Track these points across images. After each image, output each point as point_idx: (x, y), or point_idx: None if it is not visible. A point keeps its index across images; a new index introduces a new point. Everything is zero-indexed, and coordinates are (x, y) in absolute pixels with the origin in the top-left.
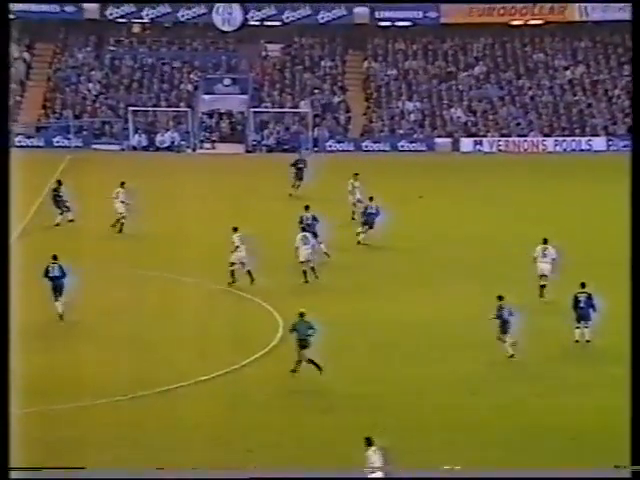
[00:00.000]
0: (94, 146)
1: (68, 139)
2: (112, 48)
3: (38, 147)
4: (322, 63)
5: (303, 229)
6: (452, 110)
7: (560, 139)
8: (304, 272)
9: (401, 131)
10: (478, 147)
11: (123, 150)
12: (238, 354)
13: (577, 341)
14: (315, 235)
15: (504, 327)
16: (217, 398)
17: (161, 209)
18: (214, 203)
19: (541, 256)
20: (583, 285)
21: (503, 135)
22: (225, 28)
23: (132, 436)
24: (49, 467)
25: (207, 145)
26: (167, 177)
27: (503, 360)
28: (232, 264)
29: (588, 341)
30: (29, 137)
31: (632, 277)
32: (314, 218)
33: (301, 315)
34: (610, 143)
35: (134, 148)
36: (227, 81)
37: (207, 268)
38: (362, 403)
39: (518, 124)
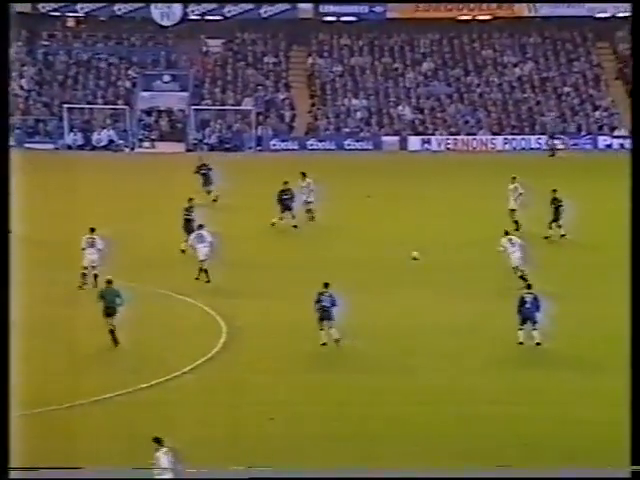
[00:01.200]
0: (27, 145)
1: None
2: (45, 43)
3: None
4: (265, 59)
5: (200, 226)
6: (399, 108)
7: (509, 137)
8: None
9: (347, 129)
10: (426, 146)
11: (57, 149)
12: (180, 361)
13: (521, 343)
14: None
15: (323, 315)
16: (157, 405)
17: (97, 209)
18: (151, 202)
19: (510, 246)
20: (529, 287)
21: (452, 133)
22: (164, 22)
23: (63, 446)
24: (49, 467)
25: (146, 144)
26: (104, 177)
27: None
28: (85, 268)
29: (538, 344)
30: None
31: (632, 277)
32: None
33: (109, 282)
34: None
35: (69, 147)
36: (166, 77)
37: (144, 271)
38: (296, 410)
39: (467, 122)
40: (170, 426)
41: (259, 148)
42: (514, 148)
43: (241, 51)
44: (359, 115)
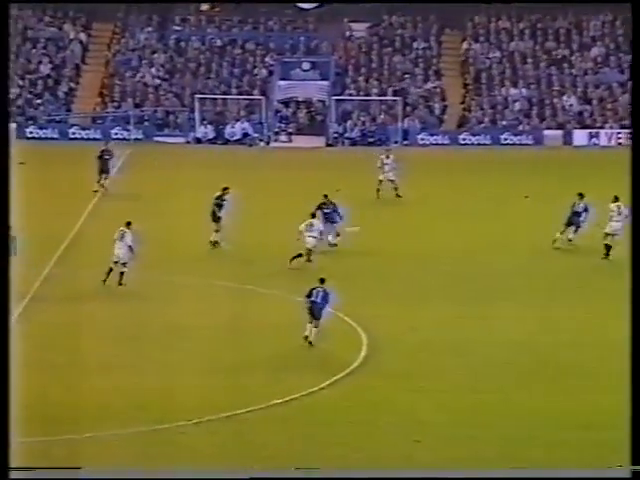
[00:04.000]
0: (156, 138)
1: (127, 130)
2: (177, 28)
3: (94, 139)
4: (414, 44)
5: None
6: (564, 98)
7: None
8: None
9: (504, 122)
10: (594, 140)
11: (188, 143)
12: (317, 375)
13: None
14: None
15: (311, 311)
16: (291, 422)
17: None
18: (288, 202)
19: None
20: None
21: (623, 127)
22: (304, 5)
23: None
24: (49, 467)
25: (283, 138)
26: (238, 173)
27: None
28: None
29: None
30: (84, 128)
31: (632, 278)
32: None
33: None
34: None
35: (199, 141)
36: (306, 65)
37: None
38: (443, 432)
39: None
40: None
41: (406, 142)
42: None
43: (388, 36)
44: (518, 106)
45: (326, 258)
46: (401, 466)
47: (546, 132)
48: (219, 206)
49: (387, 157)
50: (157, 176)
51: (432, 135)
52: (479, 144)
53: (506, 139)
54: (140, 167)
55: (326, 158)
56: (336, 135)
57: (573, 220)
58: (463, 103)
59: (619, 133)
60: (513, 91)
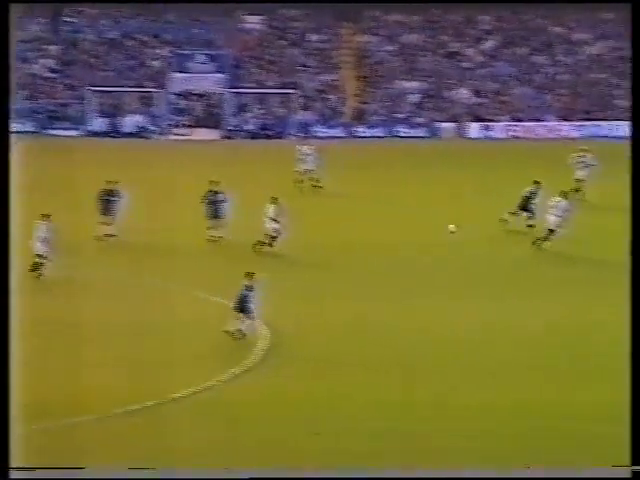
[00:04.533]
0: (49, 131)
1: (21, 124)
2: (70, 20)
3: None
4: (310, 37)
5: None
6: (458, 91)
7: (579, 124)
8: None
9: (400, 115)
10: (487, 132)
11: (82, 136)
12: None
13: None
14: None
15: (239, 304)
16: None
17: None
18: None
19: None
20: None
21: (516, 119)
22: None
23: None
24: (49, 467)
25: (178, 130)
26: (132, 167)
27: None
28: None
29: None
30: None
31: (632, 280)
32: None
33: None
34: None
35: (95, 134)
36: (202, 58)
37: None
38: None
39: (532, 106)
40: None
41: (303, 135)
42: (584, 135)
43: (283, 28)
44: (413, 99)
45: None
46: (300, 460)
47: (441, 125)
48: (108, 201)
49: (307, 148)
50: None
51: (329, 128)
52: (375, 136)
53: (402, 131)
54: (34, 162)
55: (221, 151)
56: (233, 128)
57: (526, 206)
58: (359, 96)
59: (511, 126)
60: (408, 84)
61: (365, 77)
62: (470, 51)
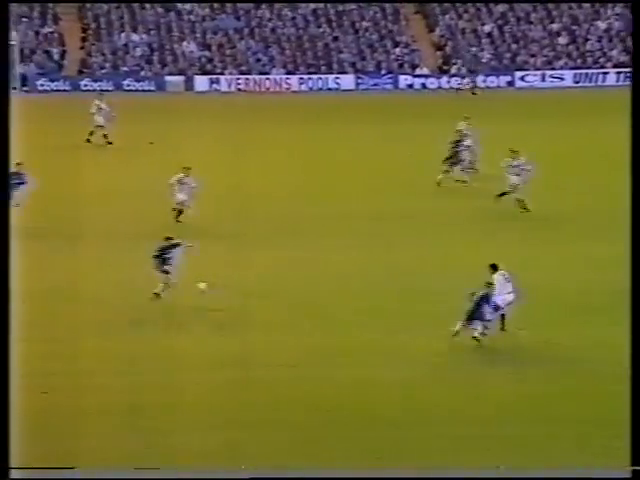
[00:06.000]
0: None
1: None
2: None
3: None
4: None
5: None
6: (184, 44)
7: (305, 77)
8: None
9: (126, 68)
10: (214, 86)
11: None
12: None
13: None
14: None
15: (159, 266)
16: None
17: None
18: None
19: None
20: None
21: (242, 72)
22: None
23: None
24: (49, 467)
25: None
26: None
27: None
28: None
29: None
30: None
31: (632, 271)
32: None
33: None
34: (359, 81)
35: None
36: None
37: None
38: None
39: (259, 60)
40: None
41: (25, 89)
42: (310, 88)
43: None
44: (139, 52)
45: None
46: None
47: (168, 78)
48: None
49: (101, 102)
50: None
51: (52, 81)
52: (101, 90)
53: (128, 85)
54: None
55: None
56: None
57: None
58: (83, 48)
59: (238, 79)
60: (133, 37)
61: (88, 29)
62: (195, 4)
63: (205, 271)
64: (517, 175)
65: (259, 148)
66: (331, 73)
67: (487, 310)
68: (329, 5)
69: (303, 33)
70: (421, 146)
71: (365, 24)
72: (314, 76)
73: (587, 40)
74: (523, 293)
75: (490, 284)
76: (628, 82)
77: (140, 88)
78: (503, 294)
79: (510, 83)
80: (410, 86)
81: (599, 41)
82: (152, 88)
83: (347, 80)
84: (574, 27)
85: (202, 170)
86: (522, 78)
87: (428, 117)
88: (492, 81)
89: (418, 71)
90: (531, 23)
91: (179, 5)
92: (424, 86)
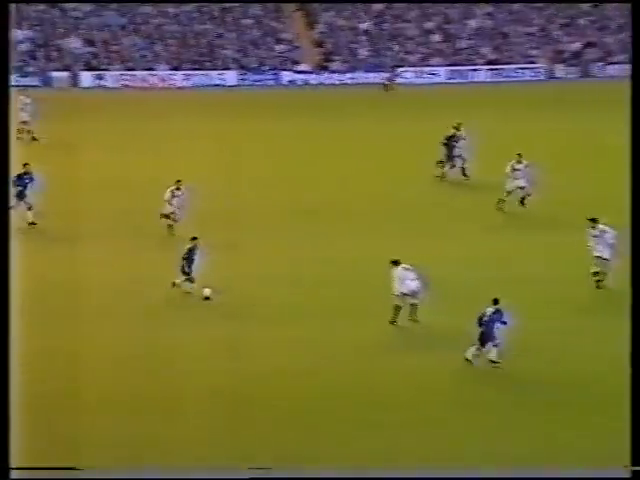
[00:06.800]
0: None
1: None
2: None
3: None
4: None
5: None
6: (69, 40)
7: (190, 73)
8: None
9: (10, 64)
10: (100, 82)
11: None
12: None
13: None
14: None
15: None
16: None
17: None
18: None
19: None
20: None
21: (128, 68)
22: None
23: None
24: (49, 467)
25: None
26: None
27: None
28: None
29: None
30: None
31: (632, 273)
32: None
33: None
34: (242, 77)
35: None
36: None
37: None
38: None
39: (143, 56)
40: None
41: None
42: (195, 84)
43: None
44: (23, 48)
45: None
46: None
47: (53, 74)
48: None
49: (25, 99)
50: None
51: None
52: None
53: (16, 80)
54: None
55: None
56: None
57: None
58: None
59: (123, 75)
60: (17, 32)
61: None
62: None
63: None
64: (521, 178)
65: (143, 143)
66: (215, 69)
67: (496, 332)
68: (212, 4)
69: (187, 30)
70: (306, 142)
71: (248, 22)
72: (198, 72)
73: (459, 38)
74: (427, 284)
75: (495, 303)
76: (497, 78)
77: (25, 83)
78: (404, 284)
79: (388, 79)
80: (292, 82)
81: (470, 39)
82: (37, 84)
83: (230, 76)
84: (447, 26)
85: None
86: (399, 74)
87: (310, 112)
88: (372, 77)
89: (300, 67)
90: (407, 21)
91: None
92: (306, 82)
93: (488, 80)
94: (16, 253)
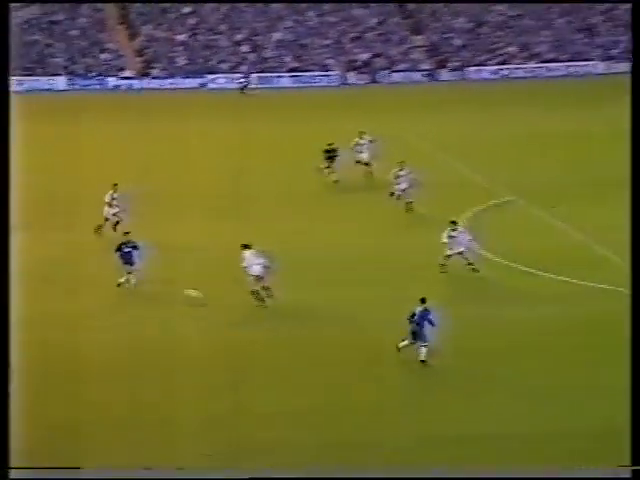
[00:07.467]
0: None
1: None
2: None
3: None
4: None
5: None
6: None
7: (22, 79)
8: None
9: None
10: None
11: None
12: None
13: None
14: None
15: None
16: None
17: None
18: None
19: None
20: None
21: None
22: None
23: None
24: (49, 467)
25: None
26: None
27: None
28: None
29: None
30: None
31: (632, 277)
32: None
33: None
34: (71, 82)
35: None
36: None
37: None
38: None
39: None
40: None
41: None
42: (29, 89)
43: None
44: None
45: None
46: None
47: None
48: None
49: None
50: None
51: None
52: None
53: None
54: None
55: None
56: None
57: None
58: None
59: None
60: None
61: None
62: None
63: None
64: (404, 183)
65: None
66: (45, 75)
67: (427, 332)
68: (42, 15)
69: (18, 40)
70: (132, 143)
71: (75, 32)
72: (30, 78)
73: (265, 48)
74: (274, 266)
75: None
76: (298, 84)
77: None
78: (252, 266)
79: (203, 85)
80: (117, 87)
81: (275, 49)
82: None
83: (60, 81)
84: (254, 37)
85: None
86: (213, 80)
87: (135, 114)
88: (188, 82)
89: (124, 74)
90: (219, 33)
91: None
92: (130, 87)
93: (290, 85)
94: None
